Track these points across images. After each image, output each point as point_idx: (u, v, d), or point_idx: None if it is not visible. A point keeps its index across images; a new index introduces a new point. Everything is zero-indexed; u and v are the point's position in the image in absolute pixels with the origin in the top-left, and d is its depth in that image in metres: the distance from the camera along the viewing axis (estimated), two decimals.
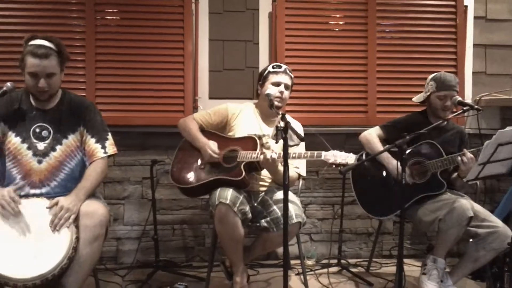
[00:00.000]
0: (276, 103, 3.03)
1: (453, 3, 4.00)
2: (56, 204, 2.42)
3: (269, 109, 2.96)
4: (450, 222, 2.88)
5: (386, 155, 3.15)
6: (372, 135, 3.28)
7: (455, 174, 3.16)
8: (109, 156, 2.73)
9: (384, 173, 3.22)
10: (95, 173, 2.62)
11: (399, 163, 2.57)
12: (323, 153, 2.75)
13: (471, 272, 3.19)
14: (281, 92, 3.10)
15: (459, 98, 3.16)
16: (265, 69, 3.19)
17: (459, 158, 2.98)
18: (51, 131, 2.61)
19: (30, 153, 2.58)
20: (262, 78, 3.16)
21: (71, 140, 2.64)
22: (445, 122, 3.20)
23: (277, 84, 3.11)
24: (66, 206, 2.40)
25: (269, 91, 3.07)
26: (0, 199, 2.37)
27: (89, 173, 2.62)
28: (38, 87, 2.53)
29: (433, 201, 3.07)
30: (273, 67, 3.15)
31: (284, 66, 3.17)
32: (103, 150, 2.68)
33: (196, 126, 3.17)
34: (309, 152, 2.84)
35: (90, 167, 2.64)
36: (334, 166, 2.72)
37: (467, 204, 2.91)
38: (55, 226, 2.36)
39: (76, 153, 2.67)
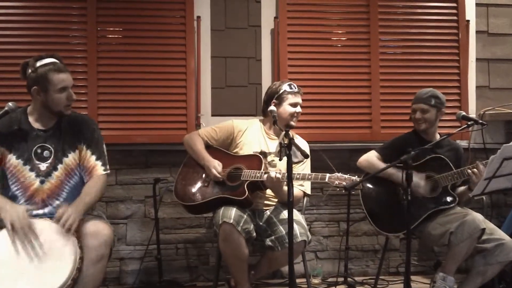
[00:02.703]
0: (292, 123, 3.08)
1: (455, 18, 4.03)
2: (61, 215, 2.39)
3: (275, 126, 2.95)
4: (461, 234, 2.85)
5: (396, 174, 3.13)
6: (372, 158, 3.28)
7: (462, 188, 3.15)
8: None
9: (394, 190, 3.20)
10: (95, 189, 2.59)
11: (405, 177, 2.58)
12: (328, 175, 2.75)
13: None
14: (298, 113, 3.12)
15: (463, 113, 3.17)
16: (278, 88, 3.14)
17: (469, 170, 2.98)
18: (52, 151, 2.59)
19: (33, 174, 2.56)
20: (277, 97, 3.12)
21: (71, 158, 2.63)
22: (438, 137, 3.26)
23: (295, 105, 3.11)
24: (69, 212, 2.37)
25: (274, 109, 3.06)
26: (17, 224, 2.33)
27: (89, 188, 2.59)
28: (72, 100, 2.59)
29: (443, 215, 3.05)
30: (290, 87, 3.13)
31: (296, 85, 3.16)
32: (103, 168, 2.66)
33: (201, 143, 3.15)
34: (313, 174, 2.83)
35: (90, 183, 2.62)
36: (338, 189, 2.72)
37: (479, 216, 2.91)
38: (62, 225, 2.33)
39: (76, 171, 2.65)
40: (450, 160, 3.15)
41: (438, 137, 3.28)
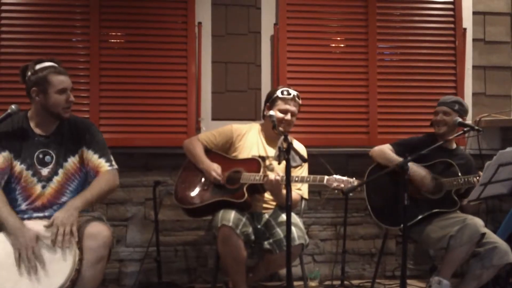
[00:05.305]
0: (280, 128, 3.03)
1: (452, 25, 4.06)
2: (53, 223, 2.39)
3: (273, 131, 2.96)
4: (461, 238, 2.88)
5: (411, 164, 3.12)
6: (384, 147, 3.31)
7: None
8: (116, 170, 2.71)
9: (397, 184, 3.17)
10: (97, 183, 2.60)
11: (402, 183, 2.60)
12: (326, 177, 2.77)
13: None
14: (286, 120, 3.10)
15: (460, 119, 3.20)
16: (273, 92, 3.18)
17: (475, 179, 3.00)
18: (54, 156, 2.61)
19: (35, 179, 2.58)
20: (271, 101, 3.15)
21: (71, 162, 2.64)
22: (454, 146, 3.32)
23: (284, 112, 3.11)
24: (60, 222, 2.36)
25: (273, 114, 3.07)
26: (23, 249, 2.34)
27: (93, 184, 2.61)
28: (70, 101, 2.60)
29: (443, 218, 3.07)
30: (282, 93, 3.13)
31: (293, 93, 3.14)
32: (108, 164, 2.66)
33: (200, 148, 3.18)
34: (311, 176, 2.86)
35: (95, 179, 2.63)
36: (336, 191, 2.75)
37: (480, 221, 2.94)
38: (59, 245, 2.34)
39: (77, 175, 2.66)
40: (461, 169, 3.17)
41: (454, 146, 3.33)
